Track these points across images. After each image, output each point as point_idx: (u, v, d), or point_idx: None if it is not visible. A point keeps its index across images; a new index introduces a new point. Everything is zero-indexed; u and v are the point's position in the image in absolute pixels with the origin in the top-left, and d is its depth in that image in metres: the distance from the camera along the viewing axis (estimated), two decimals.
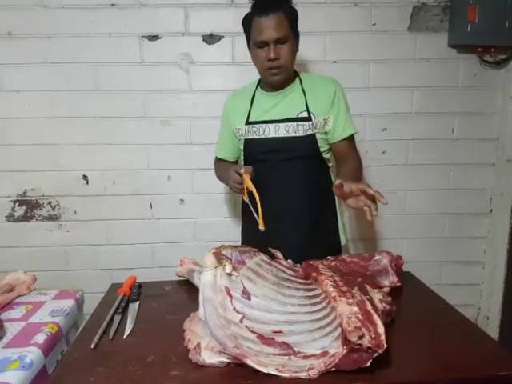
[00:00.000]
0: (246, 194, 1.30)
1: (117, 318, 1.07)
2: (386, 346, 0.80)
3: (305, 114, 1.38)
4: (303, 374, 0.80)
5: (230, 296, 0.90)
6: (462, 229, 2.07)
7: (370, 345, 0.79)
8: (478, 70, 1.92)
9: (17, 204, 1.94)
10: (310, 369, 0.81)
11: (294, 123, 1.38)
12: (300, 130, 1.37)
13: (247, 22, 1.35)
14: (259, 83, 1.48)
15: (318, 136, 1.39)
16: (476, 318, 2.14)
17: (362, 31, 1.87)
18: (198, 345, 0.88)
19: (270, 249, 1.20)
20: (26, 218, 1.95)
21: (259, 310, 0.90)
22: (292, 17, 1.33)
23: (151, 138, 1.91)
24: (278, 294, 0.96)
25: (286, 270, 1.11)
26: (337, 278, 1.00)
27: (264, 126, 1.40)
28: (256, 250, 1.13)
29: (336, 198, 1.48)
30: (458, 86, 1.93)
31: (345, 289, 0.95)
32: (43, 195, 1.94)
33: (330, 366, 0.81)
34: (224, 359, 0.86)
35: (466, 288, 2.12)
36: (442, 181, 2.02)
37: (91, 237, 1.97)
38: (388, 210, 1.97)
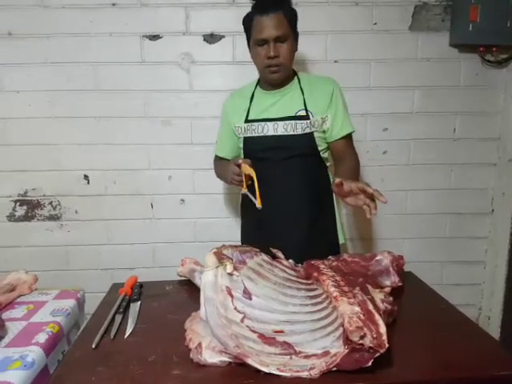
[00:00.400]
0: (244, 185, 1.30)
1: (118, 318, 1.07)
2: (387, 345, 0.80)
3: (303, 113, 1.40)
4: (304, 374, 0.80)
5: (231, 296, 0.90)
6: (464, 229, 2.07)
7: (371, 345, 0.79)
8: (479, 70, 1.92)
9: (18, 204, 1.94)
10: (311, 368, 0.81)
11: (293, 121, 1.39)
12: (298, 128, 1.39)
13: (248, 21, 1.37)
14: (258, 82, 1.49)
15: (316, 135, 1.40)
16: (477, 318, 2.13)
17: (363, 30, 1.86)
18: (200, 344, 0.88)
19: (271, 249, 1.20)
20: (27, 217, 1.95)
21: (260, 310, 0.90)
22: (291, 17, 1.35)
23: (152, 138, 1.91)
24: (279, 293, 0.96)
25: (287, 269, 1.11)
26: (338, 278, 1.00)
27: (263, 123, 1.42)
28: (257, 249, 1.13)
29: (334, 196, 1.49)
30: (460, 85, 1.93)
31: (346, 289, 0.95)
32: (44, 195, 1.94)
33: (331, 366, 0.81)
34: (225, 359, 0.86)
35: (467, 288, 2.12)
36: (444, 181, 2.02)
37: (92, 236, 1.98)
38: (389, 210, 1.97)
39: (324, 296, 0.98)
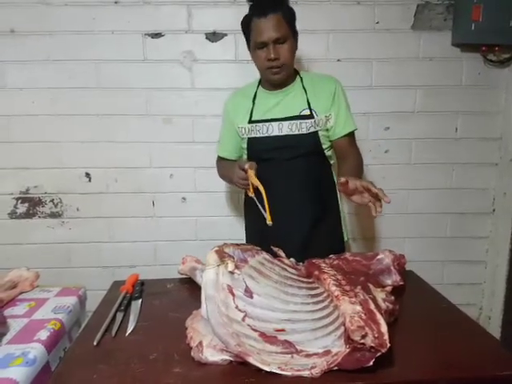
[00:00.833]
0: (251, 189, 1.28)
1: (119, 316, 1.07)
2: (388, 345, 0.81)
3: (307, 112, 1.40)
4: (306, 373, 0.80)
5: (233, 294, 0.90)
6: (465, 228, 2.07)
7: (372, 344, 0.80)
8: (481, 69, 1.91)
9: (19, 201, 1.94)
10: (312, 367, 0.81)
11: (297, 121, 1.39)
12: (303, 127, 1.39)
13: (246, 24, 1.37)
14: (260, 82, 1.49)
15: (320, 133, 1.41)
16: (478, 318, 2.13)
17: (365, 29, 1.86)
18: (201, 343, 0.88)
19: (272, 247, 1.20)
20: (28, 215, 1.95)
21: (261, 309, 0.90)
22: (290, 16, 1.34)
23: (153, 136, 1.91)
24: (281, 292, 0.96)
25: (288, 268, 1.10)
26: (339, 277, 1.00)
27: (267, 124, 1.41)
28: (258, 248, 1.13)
29: (338, 195, 1.49)
30: (462, 85, 1.93)
31: (347, 288, 0.95)
32: (46, 192, 1.94)
33: (332, 365, 0.81)
34: (226, 357, 0.86)
35: (467, 287, 2.12)
36: (445, 180, 2.02)
37: (93, 234, 1.98)
38: (390, 209, 1.97)
39: (325, 295, 0.98)
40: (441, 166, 2.00)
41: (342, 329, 0.86)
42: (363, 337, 0.80)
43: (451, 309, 1.11)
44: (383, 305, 0.98)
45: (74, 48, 1.82)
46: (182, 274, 1.31)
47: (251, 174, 1.26)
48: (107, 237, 1.99)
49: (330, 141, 1.45)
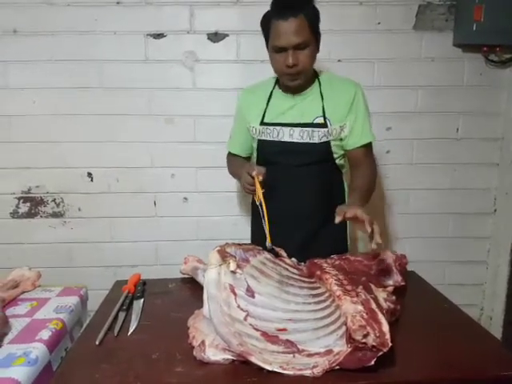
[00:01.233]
0: (259, 195, 1.23)
1: (121, 315, 1.07)
2: (390, 344, 0.81)
3: (321, 120, 1.34)
4: (307, 372, 0.81)
5: (234, 294, 0.90)
6: (466, 229, 2.07)
7: (374, 343, 0.80)
8: (483, 70, 1.91)
9: (21, 201, 1.94)
10: (314, 367, 0.81)
11: (310, 129, 1.33)
12: (315, 136, 1.33)
13: (265, 23, 1.28)
14: (277, 82, 1.42)
15: (332, 143, 1.35)
16: (479, 319, 2.13)
17: (366, 30, 1.86)
18: (203, 342, 0.88)
19: (274, 247, 1.20)
20: (30, 214, 1.96)
21: (263, 308, 0.91)
22: (313, 18, 1.27)
23: (155, 136, 1.92)
24: (282, 292, 0.96)
25: (290, 268, 1.11)
26: (341, 277, 1.00)
27: (278, 128, 1.36)
28: (260, 248, 1.13)
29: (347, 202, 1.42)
30: (463, 85, 1.93)
31: (349, 287, 0.95)
32: (47, 192, 1.94)
33: (334, 364, 0.81)
34: (228, 356, 0.86)
35: (469, 288, 2.12)
36: (446, 180, 2.02)
37: (95, 234, 1.98)
38: (392, 210, 1.97)
39: (327, 295, 0.98)
40: (442, 166, 2.00)
41: (344, 328, 0.86)
42: (365, 336, 0.80)
43: (452, 309, 1.11)
44: (385, 305, 0.99)
45: (76, 48, 1.83)
46: (183, 274, 1.31)
47: (257, 182, 1.22)
48: (109, 236, 1.99)
49: (344, 150, 1.40)
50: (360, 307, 0.87)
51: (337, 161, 1.40)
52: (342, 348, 0.84)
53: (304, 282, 1.06)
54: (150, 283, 1.29)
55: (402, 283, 1.19)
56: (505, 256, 2.01)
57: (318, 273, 1.07)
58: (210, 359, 0.86)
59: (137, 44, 1.84)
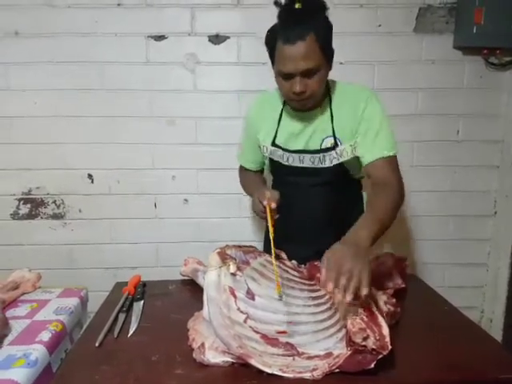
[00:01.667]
0: (270, 227, 1.10)
1: (121, 317, 1.07)
2: (390, 347, 0.81)
3: (331, 141, 1.23)
4: (307, 375, 0.81)
5: (234, 296, 0.90)
6: (466, 231, 2.06)
7: (374, 346, 0.80)
8: (483, 72, 1.92)
9: (22, 202, 1.95)
10: (313, 369, 0.81)
11: (320, 154, 1.25)
12: (326, 160, 1.25)
13: (270, 41, 1.15)
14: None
15: (348, 162, 1.25)
16: (479, 321, 2.13)
17: (367, 32, 1.86)
18: (203, 344, 0.88)
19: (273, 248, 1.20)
20: (30, 216, 1.96)
21: (263, 311, 0.91)
22: (326, 38, 1.12)
23: (156, 138, 1.92)
24: (282, 294, 0.96)
25: (290, 270, 1.11)
26: None
27: (288, 154, 1.29)
28: (261, 250, 1.13)
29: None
30: (463, 87, 1.93)
31: None
32: (48, 193, 1.95)
33: (333, 367, 0.81)
34: (228, 359, 0.86)
35: (469, 290, 2.11)
36: (447, 182, 2.02)
37: (96, 235, 1.98)
38: None
39: (327, 297, 0.98)
40: (443, 169, 2.00)
41: (344, 331, 0.86)
42: (365, 339, 0.80)
43: (453, 312, 1.11)
44: (385, 307, 0.99)
45: (77, 50, 1.83)
46: (183, 276, 1.31)
47: (269, 211, 1.12)
48: (109, 238, 1.99)
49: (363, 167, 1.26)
50: (360, 310, 0.86)
51: (353, 176, 1.34)
52: (341, 351, 0.84)
53: (304, 284, 1.06)
54: (150, 285, 1.29)
55: (402, 285, 1.19)
56: (505, 258, 2.01)
57: (318, 275, 1.07)
58: (209, 361, 0.86)
59: (138, 46, 1.84)
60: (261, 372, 0.82)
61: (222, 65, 1.87)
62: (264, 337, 0.86)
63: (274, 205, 1.14)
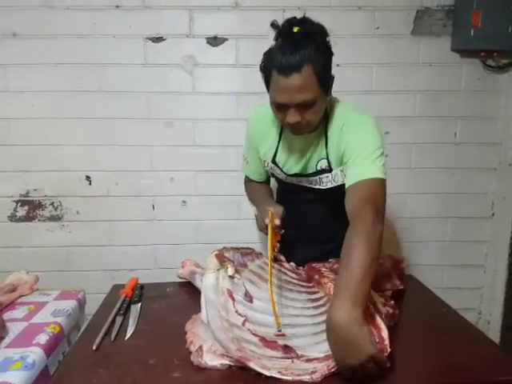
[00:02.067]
0: (271, 247, 1.03)
1: (118, 320, 1.07)
2: (389, 350, 0.81)
3: (325, 163, 1.20)
4: (306, 377, 0.80)
5: (233, 299, 0.90)
6: (464, 233, 2.07)
7: None
8: (480, 75, 1.92)
9: (19, 204, 1.94)
10: (312, 372, 0.81)
11: (316, 177, 1.22)
12: (323, 181, 1.22)
13: (265, 67, 1.08)
14: None
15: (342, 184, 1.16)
16: (477, 323, 2.13)
17: (365, 35, 1.87)
18: (200, 347, 0.88)
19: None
20: (28, 218, 1.95)
21: (261, 313, 0.91)
22: (323, 67, 1.04)
23: (154, 140, 1.91)
24: (281, 296, 0.96)
25: (288, 272, 1.11)
26: None
27: (286, 175, 1.28)
28: (259, 252, 1.13)
29: None
30: (461, 90, 1.93)
31: None
32: (46, 195, 1.94)
33: (333, 370, 0.81)
34: (226, 362, 0.86)
35: (467, 292, 2.12)
36: (444, 184, 2.02)
37: (93, 237, 1.98)
38: (390, 214, 1.98)
39: (325, 299, 0.98)
40: (440, 171, 2.01)
41: None
42: None
43: (451, 313, 1.11)
44: (383, 309, 0.99)
45: (76, 52, 1.82)
46: (181, 278, 1.31)
47: (270, 231, 1.07)
48: (107, 240, 1.99)
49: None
50: None
51: None
52: None
53: (302, 286, 1.06)
54: (148, 287, 1.29)
55: (401, 287, 1.19)
56: (502, 260, 2.02)
57: (317, 277, 1.07)
58: (207, 364, 0.85)
59: (136, 48, 1.84)
60: (259, 375, 0.82)
61: (221, 67, 1.87)
62: (262, 339, 0.86)
63: (277, 221, 1.11)
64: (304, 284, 1.07)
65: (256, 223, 1.36)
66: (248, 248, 1.15)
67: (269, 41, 1.10)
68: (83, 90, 1.86)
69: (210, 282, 0.91)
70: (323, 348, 0.85)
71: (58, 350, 1.10)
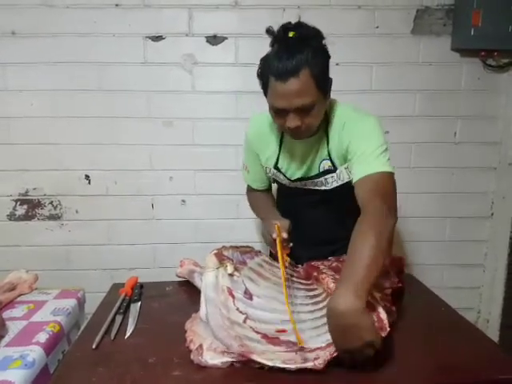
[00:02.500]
0: (282, 261, 1.02)
1: (118, 319, 1.07)
2: (388, 329, 0.81)
3: (328, 163, 1.20)
4: (309, 364, 0.80)
5: (233, 296, 0.90)
6: (463, 232, 2.07)
7: None
8: (480, 74, 1.92)
9: (18, 203, 1.94)
10: (315, 359, 0.81)
11: (321, 178, 1.22)
12: (328, 182, 1.22)
13: (262, 72, 1.08)
14: None
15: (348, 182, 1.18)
16: (476, 322, 2.13)
17: (365, 34, 1.87)
18: (200, 346, 0.88)
19: (271, 250, 1.20)
20: (27, 217, 1.95)
21: (261, 310, 0.91)
22: (321, 70, 1.04)
23: (153, 139, 1.91)
24: (280, 293, 0.96)
25: (287, 270, 1.11)
26: (338, 277, 1.00)
27: (289, 181, 1.28)
28: (258, 250, 1.13)
29: None
30: (461, 89, 1.93)
31: None
32: (45, 194, 1.94)
33: (335, 354, 0.81)
34: (227, 359, 0.85)
35: (466, 291, 2.12)
36: (444, 184, 2.02)
37: (93, 236, 1.97)
38: None
39: (324, 295, 0.98)
40: (440, 170, 2.01)
41: None
42: None
43: (450, 312, 1.11)
44: (381, 303, 0.99)
45: (75, 50, 1.82)
46: (179, 277, 1.31)
47: (279, 245, 1.06)
48: (106, 239, 1.99)
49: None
50: None
51: None
52: None
53: (301, 283, 1.06)
54: (147, 286, 1.29)
55: (399, 285, 1.19)
56: (502, 259, 2.02)
57: (315, 274, 1.07)
58: (207, 363, 0.85)
59: (136, 46, 1.84)
60: (260, 373, 0.81)
61: (220, 66, 1.87)
62: (265, 336, 0.86)
63: (285, 235, 1.11)
64: (303, 281, 1.08)
65: (263, 240, 1.35)
66: (247, 246, 1.15)
67: (268, 40, 1.10)
68: (82, 88, 1.85)
69: (210, 281, 0.91)
70: (325, 338, 0.85)
71: (58, 348, 1.10)
